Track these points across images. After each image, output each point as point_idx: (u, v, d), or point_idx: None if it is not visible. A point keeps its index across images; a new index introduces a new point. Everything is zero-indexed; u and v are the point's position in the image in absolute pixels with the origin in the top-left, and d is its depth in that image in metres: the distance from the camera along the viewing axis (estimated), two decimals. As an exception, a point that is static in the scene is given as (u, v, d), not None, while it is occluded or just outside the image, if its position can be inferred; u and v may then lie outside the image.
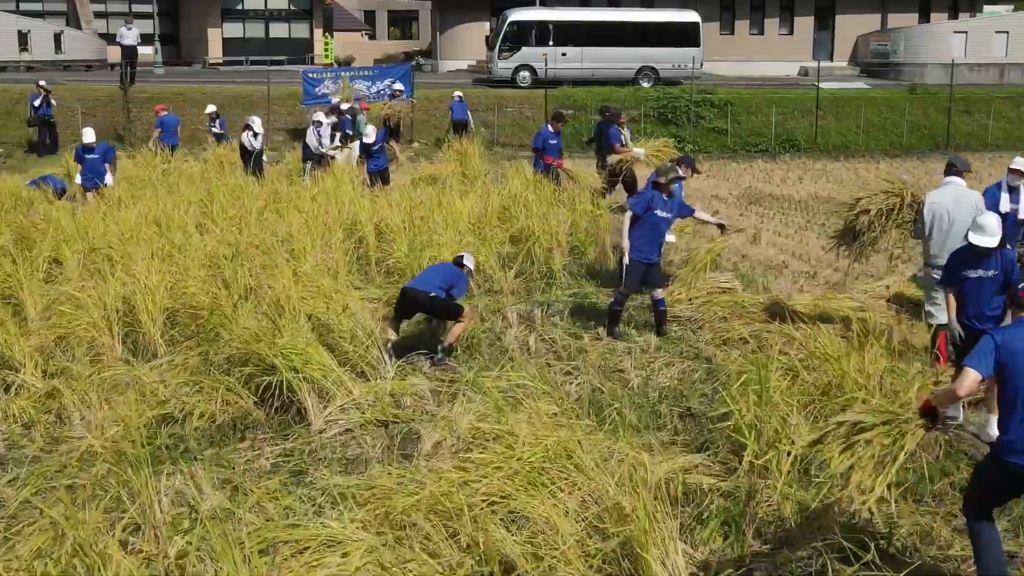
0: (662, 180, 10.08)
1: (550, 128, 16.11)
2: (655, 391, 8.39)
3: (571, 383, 8.52)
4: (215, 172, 18.90)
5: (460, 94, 24.05)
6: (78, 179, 15.45)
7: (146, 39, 42.61)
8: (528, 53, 31.79)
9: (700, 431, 7.53)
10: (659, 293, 10.07)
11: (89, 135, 15.78)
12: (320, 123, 17.48)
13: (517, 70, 31.88)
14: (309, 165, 17.23)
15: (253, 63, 45.42)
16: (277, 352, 7.83)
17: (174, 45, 49.55)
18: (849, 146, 26.31)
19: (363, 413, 7.77)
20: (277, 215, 13.18)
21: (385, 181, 16.34)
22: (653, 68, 32.44)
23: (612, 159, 15.61)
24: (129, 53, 26.19)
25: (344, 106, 21.69)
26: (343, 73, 24.24)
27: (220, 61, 45.75)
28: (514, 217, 13.06)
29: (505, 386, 8.35)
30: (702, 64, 31.68)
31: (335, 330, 9.15)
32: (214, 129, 21.18)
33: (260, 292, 9.72)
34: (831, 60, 41.84)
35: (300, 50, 46.46)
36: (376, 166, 16.48)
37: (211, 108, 21.22)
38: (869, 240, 9.88)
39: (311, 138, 17.48)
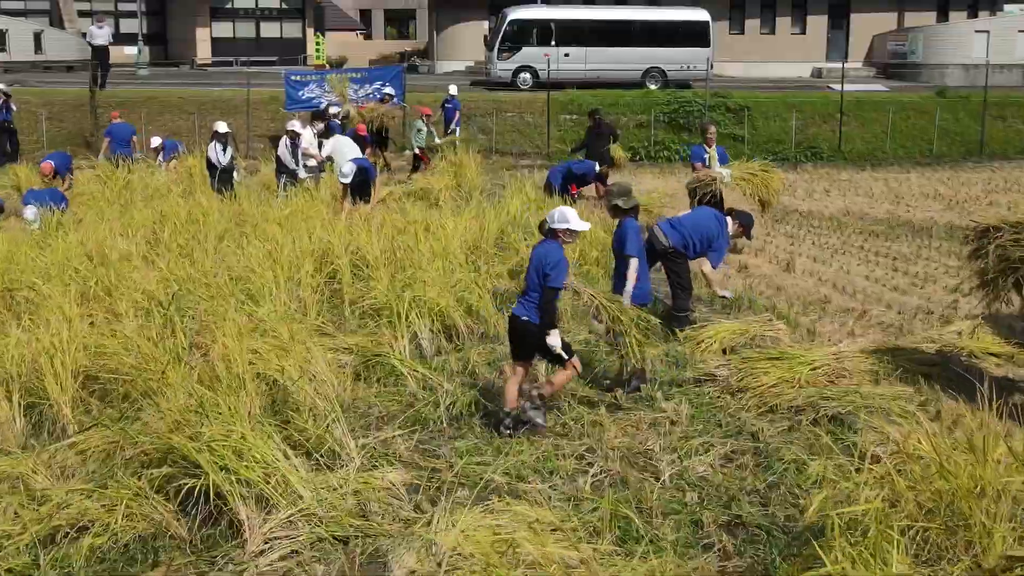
0: (623, 205, 8.33)
1: None
2: (693, 489, 6.55)
3: (585, 473, 6.71)
4: (185, 186, 17.11)
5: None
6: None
7: (130, 39, 41.06)
8: (529, 53, 30.14)
9: (756, 552, 5.72)
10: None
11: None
12: (296, 134, 15.57)
13: (517, 71, 30.23)
14: (283, 181, 15.36)
15: (243, 64, 43.74)
16: (203, 445, 6.00)
17: (162, 45, 47.88)
18: (875, 154, 24.46)
19: (315, 526, 5.94)
20: (237, 243, 11.33)
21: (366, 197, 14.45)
22: (661, 69, 30.72)
23: (691, 179, 13.80)
24: (100, 54, 24.35)
25: (333, 110, 19.86)
26: (328, 75, 22.37)
27: (209, 62, 44.05)
28: (513, 245, 11.21)
29: (501, 481, 6.58)
30: (712, 65, 29.87)
31: (291, 399, 7.36)
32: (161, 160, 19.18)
33: (202, 348, 7.91)
34: (845, 61, 40.11)
35: (292, 50, 44.80)
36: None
37: (156, 141, 19.12)
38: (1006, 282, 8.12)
39: (283, 151, 15.61)
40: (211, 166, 15.17)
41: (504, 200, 13.51)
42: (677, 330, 9.59)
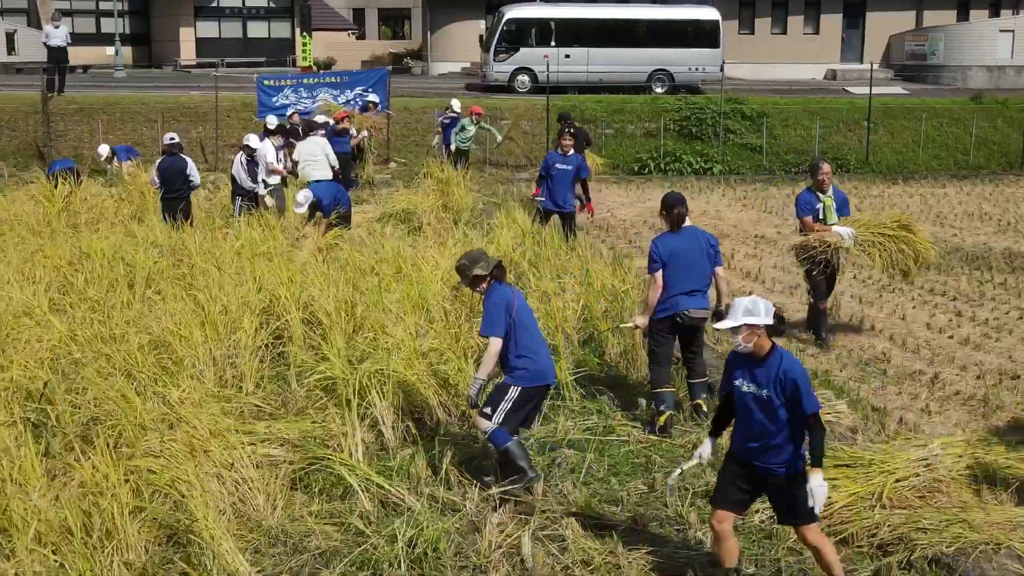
0: (482, 271, 6.44)
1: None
2: None
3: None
4: (136, 207, 15.06)
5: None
6: None
7: (108, 39, 38.96)
8: (527, 54, 28.20)
9: None
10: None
11: None
12: (252, 149, 13.48)
13: (515, 74, 28.29)
14: (239, 203, 13.29)
15: (229, 65, 41.71)
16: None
17: (145, 46, 45.93)
18: (906, 165, 22.37)
19: None
20: (170, 290, 9.27)
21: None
22: (667, 72, 28.71)
23: (798, 242, 9.94)
24: (57, 56, 22.27)
25: (320, 118, 17.79)
26: (306, 79, 20.32)
27: (193, 63, 42.02)
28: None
29: None
30: (722, 67, 27.86)
31: (194, 535, 5.39)
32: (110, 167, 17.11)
33: (75, 466, 5.88)
34: (860, 62, 38.13)
35: (281, 51, 42.76)
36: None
37: (104, 150, 17.07)
38: None
39: (238, 169, 13.53)
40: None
41: (494, 231, 11.43)
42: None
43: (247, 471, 6.36)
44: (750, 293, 7.94)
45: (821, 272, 9.66)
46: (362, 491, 6.27)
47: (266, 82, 19.90)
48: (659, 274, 7.63)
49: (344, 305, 8.85)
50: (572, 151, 12.49)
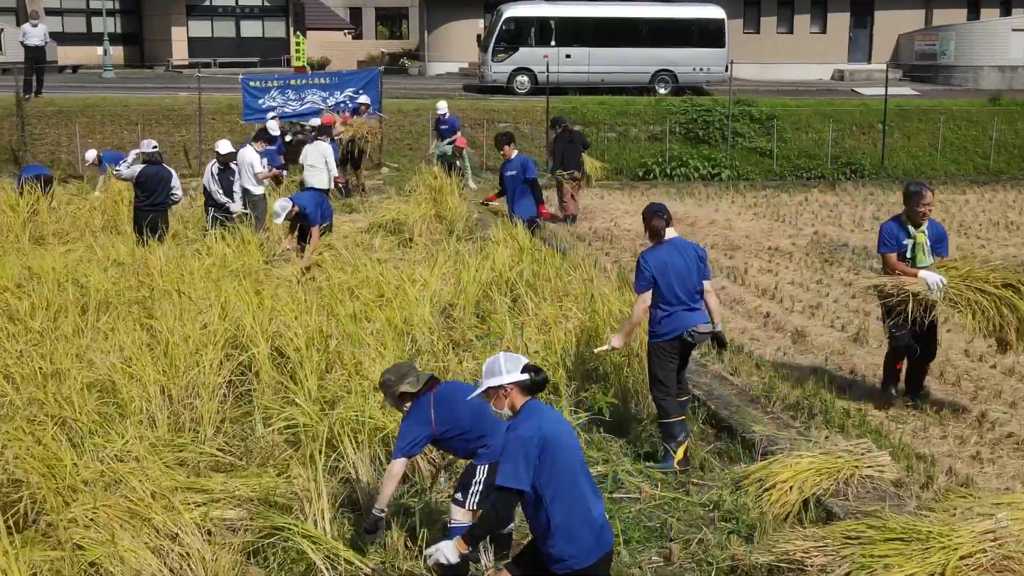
0: (411, 388, 5.52)
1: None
2: None
3: None
4: (109, 217, 14.14)
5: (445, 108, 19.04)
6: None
7: (98, 39, 37.95)
8: (526, 54, 27.28)
9: None
10: None
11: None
12: (226, 156, 12.48)
13: (514, 74, 27.37)
14: (211, 215, 12.30)
15: (222, 65, 40.77)
16: None
17: (137, 45, 45.02)
18: (922, 170, 21.37)
19: None
20: (123, 319, 8.29)
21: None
22: (671, 72, 27.76)
23: (879, 282, 8.13)
24: (35, 55, 21.27)
25: (314, 121, 16.93)
26: (293, 80, 19.33)
27: (185, 63, 41.07)
28: (497, 322, 8.13)
29: None
30: (727, 68, 26.88)
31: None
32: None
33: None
34: (868, 62, 37.22)
35: (275, 50, 41.80)
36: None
37: (91, 155, 16.09)
38: None
39: (208, 180, 12.54)
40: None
41: (490, 247, 10.45)
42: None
43: (194, 542, 5.40)
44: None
45: (903, 326, 7.74)
46: (327, 569, 5.31)
47: (252, 83, 18.92)
48: (647, 293, 6.86)
49: (319, 334, 7.89)
50: (515, 155, 12.53)
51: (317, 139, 15.09)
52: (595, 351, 7.54)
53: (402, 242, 13.82)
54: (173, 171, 12.32)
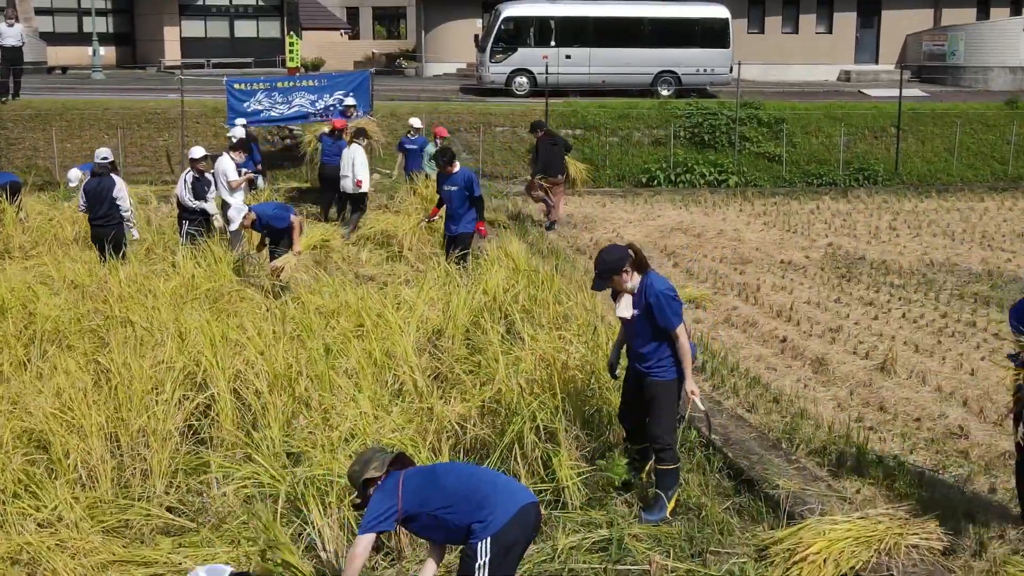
0: (376, 473, 4.81)
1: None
2: None
3: None
4: (82, 229, 13.27)
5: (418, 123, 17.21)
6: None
7: (88, 39, 37.07)
8: (525, 55, 26.43)
9: None
10: None
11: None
12: (200, 162, 11.62)
13: (512, 75, 26.50)
14: (186, 228, 11.44)
15: (216, 66, 39.94)
16: None
17: (130, 46, 44.20)
18: (938, 176, 20.50)
19: None
20: (73, 351, 7.44)
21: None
22: (674, 73, 26.92)
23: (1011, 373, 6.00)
24: (11, 56, 20.40)
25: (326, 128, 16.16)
26: (280, 82, 18.45)
27: (178, 64, 40.23)
28: (489, 357, 7.25)
29: None
30: (732, 69, 26.02)
31: None
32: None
33: None
34: (875, 63, 36.39)
35: (270, 51, 40.97)
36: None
37: (74, 175, 15.03)
38: None
39: (181, 189, 11.68)
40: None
41: (482, 267, 9.57)
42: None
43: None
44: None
45: None
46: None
47: (236, 86, 18.03)
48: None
49: (288, 371, 7.03)
50: (457, 169, 11.22)
51: (354, 142, 14.78)
52: (696, 412, 6.57)
53: (391, 256, 13.01)
54: (118, 180, 11.21)
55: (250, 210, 10.00)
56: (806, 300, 11.60)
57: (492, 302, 8.63)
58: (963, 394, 8.48)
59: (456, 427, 6.57)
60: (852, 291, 12.09)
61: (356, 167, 14.45)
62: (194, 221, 11.43)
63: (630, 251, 6.09)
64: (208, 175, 11.75)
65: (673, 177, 19.60)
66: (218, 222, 11.52)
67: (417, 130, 16.64)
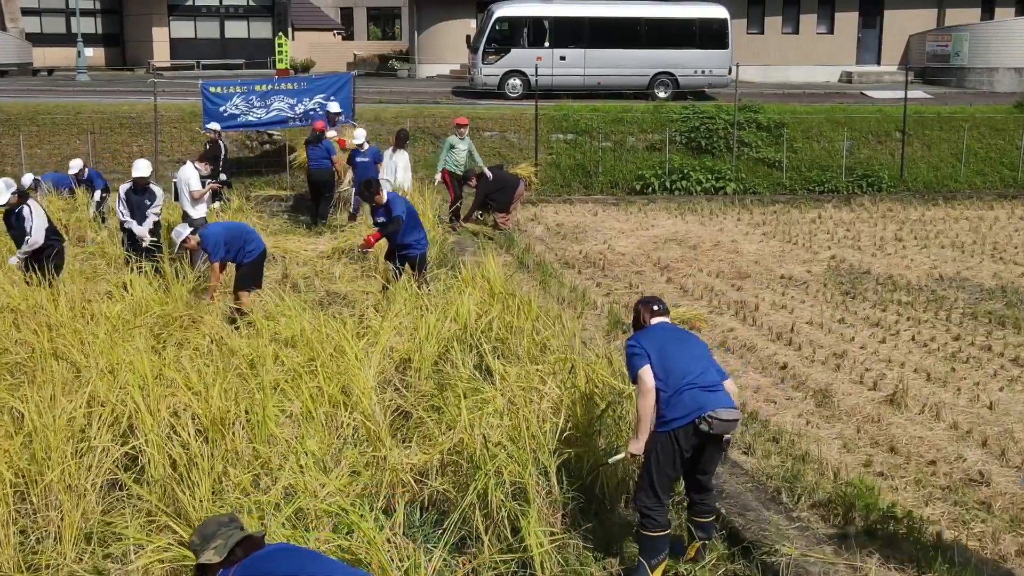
0: (217, 557, 3.78)
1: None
2: None
3: None
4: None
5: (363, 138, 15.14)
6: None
7: (85, 39, 36.30)
8: (519, 56, 25.70)
9: None
10: None
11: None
12: (143, 180, 10.82)
13: (505, 77, 25.78)
14: (125, 246, 10.65)
15: (206, 67, 39.20)
16: None
17: (118, 47, 43.50)
18: (945, 183, 19.70)
19: None
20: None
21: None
22: (671, 75, 26.18)
23: None
24: (-19, 59, 19.70)
25: (332, 133, 15.53)
26: (258, 85, 17.66)
27: (167, 65, 39.48)
28: (453, 401, 6.45)
29: None
30: (731, 70, 25.25)
31: None
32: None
33: None
34: (878, 64, 35.62)
35: (261, 52, 40.23)
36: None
37: (27, 180, 14.37)
38: None
39: (117, 201, 10.91)
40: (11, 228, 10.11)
41: (454, 292, 8.76)
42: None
43: None
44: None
45: None
46: None
47: (212, 89, 17.24)
48: (646, 371, 5.33)
49: (227, 415, 6.25)
50: (384, 199, 10.12)
51: (398, 149, 15.03)
52: (609, 462, 5.91)
53: (367, 270, 12.21)
54: (30, 207, 9.77)
55: (194, 232, 9.21)
56: (808, 320, 10.82)
57: (463, 331, 7.84)
58: (982, 432, 7.70)
59: (412, 482, 5.80)
60: (857, 310, 11.31)
61: (399, 172, 14.62)
62: (131, 237, 10.71)
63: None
64: (153, 187, 11.00)
65: (668, 184, 18.78)
66: (147, 241, 10.70)
67: (359, 145, 14.84)
